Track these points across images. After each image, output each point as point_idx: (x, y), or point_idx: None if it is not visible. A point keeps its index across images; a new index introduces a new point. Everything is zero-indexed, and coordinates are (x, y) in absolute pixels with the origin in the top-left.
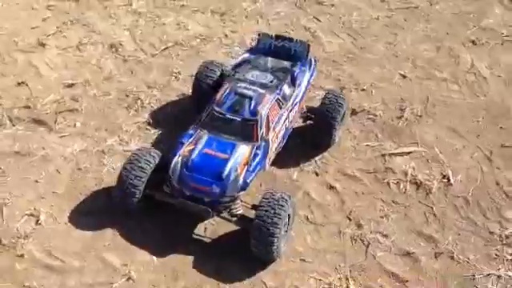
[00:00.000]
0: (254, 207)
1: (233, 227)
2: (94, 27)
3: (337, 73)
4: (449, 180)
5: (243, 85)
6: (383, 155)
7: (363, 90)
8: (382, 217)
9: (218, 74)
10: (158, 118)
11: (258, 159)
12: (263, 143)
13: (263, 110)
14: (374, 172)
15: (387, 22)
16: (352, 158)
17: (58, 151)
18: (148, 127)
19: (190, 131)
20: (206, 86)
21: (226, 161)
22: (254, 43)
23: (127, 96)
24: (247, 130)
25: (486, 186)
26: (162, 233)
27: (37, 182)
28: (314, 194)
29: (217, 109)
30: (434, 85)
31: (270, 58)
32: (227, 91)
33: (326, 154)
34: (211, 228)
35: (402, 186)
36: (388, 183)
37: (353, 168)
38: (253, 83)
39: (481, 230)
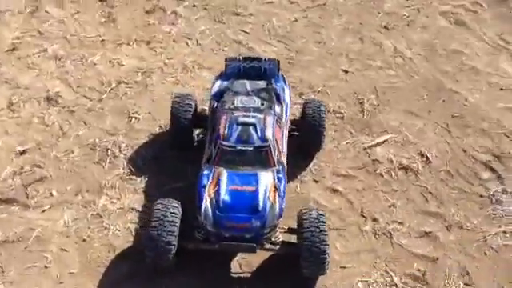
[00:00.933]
0: (292, 230)
1: (264, 254)
2: (17, 82)
3: (288, 80)
4: (427, 158)
5: (240, 113)
6: (365, 149)
7: (319, 91)
8: (389, 206)
9: (194, 106)
10: (138, 164)
11: (283, 183)
12: (281, 166)
13: (270, 134)
14: (364, 167)
15: (306, 23)
16: (340, 159)
17: (50, 228)
18: (131, 176)
19: (205, 172)
20: (185, 120)
21: (256, 192)
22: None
23: (93, 149)
24: (263, 157)
25: (456, 155)
26: (200, 283)
27: (46, 267)
28: (322, 201)
29: (225, 143)
30: (374, 74)
31: (246, 81)
32: (228, 123)
33: (315, 160)
34: (245, 262)
35: (393, 174)
36: (381, 174)
37: (345, 168)
38: (247, 110)
39: (471, 195)
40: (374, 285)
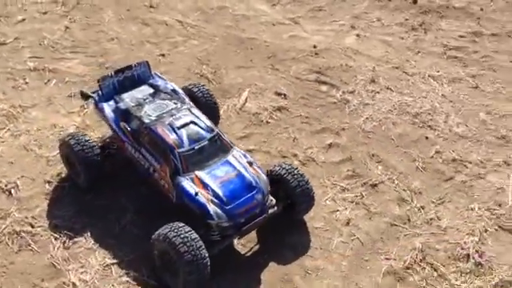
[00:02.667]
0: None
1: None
2: None
3: None
4: (285, 95)
5: (169, 119)
6: (240, 109)
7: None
8: (293, 140)
9: (89, 139)
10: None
11: (249, 155)
12: (233, 144)
13: (209, 122)
14: (253, 123)
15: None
16: (230, 124)
17: None
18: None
19: (183, 183)
20: (94, 155)
21: (240, 174)
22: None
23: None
24: (219, 145)
25: (297, 83)
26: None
27: None
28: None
29: (183, 150)
30: (186, 49)
31: (133, 92)
32: (168, 132)
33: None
34: (244, 242)
35: (275, 116)
36: (267, 121)
37: (240, 130)
38: (170, 113)
39: (329, 106)
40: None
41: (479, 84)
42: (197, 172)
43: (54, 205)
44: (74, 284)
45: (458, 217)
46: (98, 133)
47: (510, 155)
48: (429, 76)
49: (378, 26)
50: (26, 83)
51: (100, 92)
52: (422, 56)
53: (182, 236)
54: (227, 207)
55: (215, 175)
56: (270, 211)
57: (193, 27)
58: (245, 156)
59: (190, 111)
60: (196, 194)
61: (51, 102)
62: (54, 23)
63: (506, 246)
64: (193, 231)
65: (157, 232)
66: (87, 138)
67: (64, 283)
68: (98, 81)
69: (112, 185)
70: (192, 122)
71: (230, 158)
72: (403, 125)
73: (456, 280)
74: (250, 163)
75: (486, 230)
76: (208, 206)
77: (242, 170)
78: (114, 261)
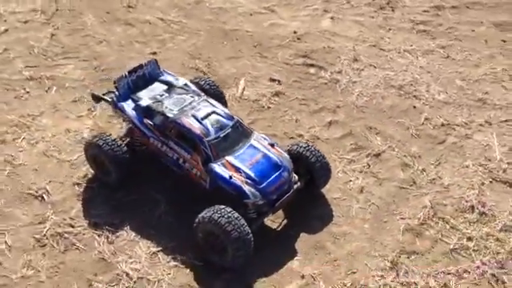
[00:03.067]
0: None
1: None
2: None
3: None
4: (279, 81)
5: (191, 111)
6: (240, 97)
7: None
8: (296, 121)
9: (116, 138)
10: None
11: (267, 137)
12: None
13: (227, 110)
14: (254, 109)
15: None
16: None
17: None
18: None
19: (216, 168)
20: (127, 152)
21: (266, 155)
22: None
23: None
24: (241, 131)
25: (289, 69)
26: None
27: None
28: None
29: (210, 138)
30: (178, 48)
31: (148, 90)
32: (193, 123)
33: None
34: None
35: (273, 100)
36: (268, 107)
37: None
38: (191, 106)
39: (321, 86)
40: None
41: (449, 54)
42: (227, 157)
43: (88, 205)
44: (127, 274)
45: (456, 174)
46: (113, 133)
47: (489, 115)
48: (404, 50)
49: (348, 8)
50: (27, 92)
51: (117, 92)
52: (394, 33)
53: (226, 216)
54: (260, 186)
55: (244, 158)
56: (295, 187)
57: (176, 23)
58: (265, 138)
59: (209, 102)
60: (230, 177)
61: (57, 109)
62: (38, 31)
63: (502, 195)
64: (234, 211)
65: (200, 215)
66: (114, 138)
67: (118, 275)
68: (114, 82)
69: (137, 180)
70: (214, 112)
71: (252, 141)
72: (391, 97)
73: (466, 229)
74: (272, 145)
75: (482, 183)
76: (243, 186)
77: (267, 152)
78: (159, 248)
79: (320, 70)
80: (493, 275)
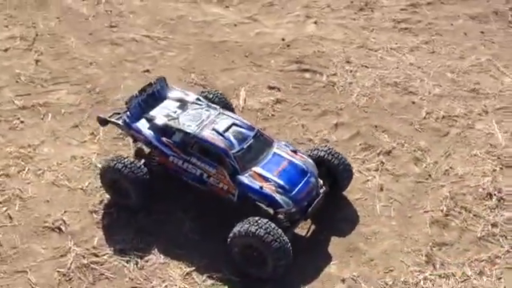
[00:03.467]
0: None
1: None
2: None
3: None
4: (278, 89)
5: (211, 125)
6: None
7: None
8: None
9: (134, 160)
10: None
11: (289, 145)
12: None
13: (247, 120)
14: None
15: None
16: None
17: None
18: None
19: (244, 180)
20: (143, 173)
21: (291, 162)
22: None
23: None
24: (263, 140)
25: (288, 74)
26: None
27: None
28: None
29: (235, 151)
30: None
31: (160, 108)
32: (216, 137)
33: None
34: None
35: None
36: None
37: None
38: (209, 120)
39: (321, 89)
40: None
41: (434, 48)
42: (253, 168)
43: (109, 231)
44: None
45: (467, 164)
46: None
47: (485, 104)
48: (391, 49)
49: (329, 12)
50: (22, 122)
51: (129, 113)
52: (377, 32)
53: (263, 227)
54: (291, 194)
55: (270, 167)
56: (322, 191)
57: (162, 40)
58: (287, 145)
59: (226, 114)
60: (261, 187)
61: (57, 136)
62: (22, 58)
63: None
64: (270, 221)
65: (235, 230)
66: (132, 160)
67: None
68: (126, 102)
69: (156, 200)
70: (234, 124)
71: (275, 149)
72: (389, 95)
73: (489, 216)
74: (295, 151)
75: (493, 170)
76: (275, 196)
77: (291, 158)
78: (192, 268)
79: (315, 74)
80: None
